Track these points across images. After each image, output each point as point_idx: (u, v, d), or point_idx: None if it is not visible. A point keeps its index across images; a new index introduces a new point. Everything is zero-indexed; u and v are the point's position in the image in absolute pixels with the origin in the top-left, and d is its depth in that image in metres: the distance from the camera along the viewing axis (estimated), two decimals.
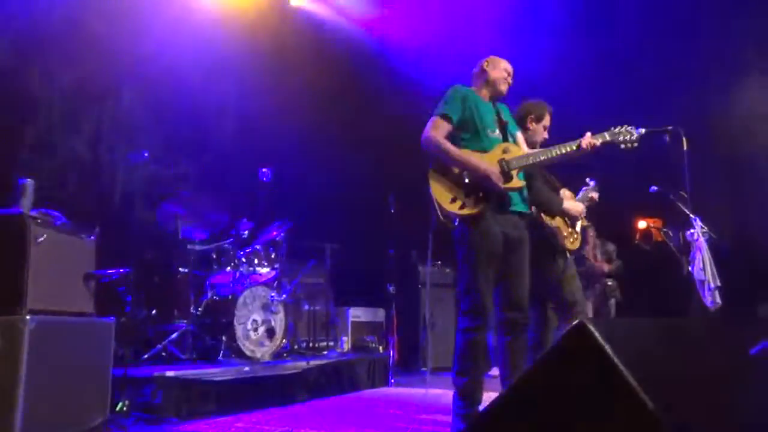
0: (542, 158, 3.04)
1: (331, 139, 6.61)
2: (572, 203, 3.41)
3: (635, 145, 3.09)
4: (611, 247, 5.90)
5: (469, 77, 3.30)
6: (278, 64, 6.36)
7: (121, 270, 3.45)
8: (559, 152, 3.02)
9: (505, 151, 3.02)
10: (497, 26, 6.11)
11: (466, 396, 2.92)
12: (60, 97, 5.06)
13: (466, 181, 2.94)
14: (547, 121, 3.54)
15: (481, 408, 2.94)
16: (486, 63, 3.22)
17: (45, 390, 2.78)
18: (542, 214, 3.36)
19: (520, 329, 3.04)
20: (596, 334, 0.81)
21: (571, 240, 3.40)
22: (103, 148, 5.34)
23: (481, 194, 2.93)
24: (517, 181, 3.00)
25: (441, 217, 2.97)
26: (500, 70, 3.20)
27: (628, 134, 3.09)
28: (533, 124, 3.52)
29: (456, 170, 2.98)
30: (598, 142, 3.04)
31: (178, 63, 5.67)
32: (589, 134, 3.07)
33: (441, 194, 2.96)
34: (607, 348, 0.79)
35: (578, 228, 3.45)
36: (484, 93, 3.20)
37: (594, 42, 6.23)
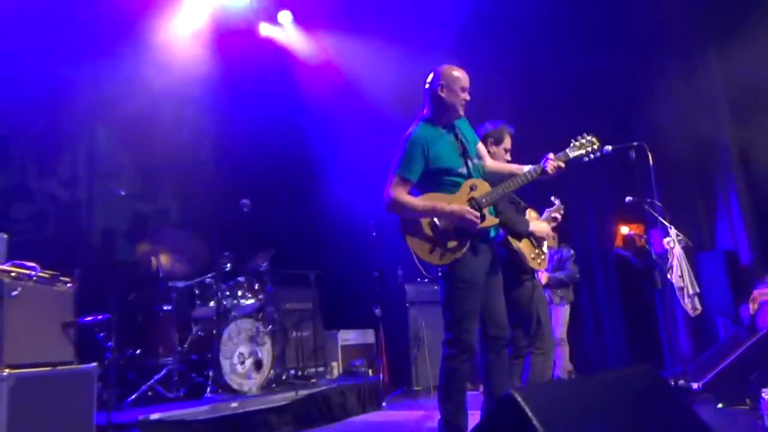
0: (509, 189, 3.03)
1: (308, 166, 6.67)
2: (538, 224, 3.46)
3: (599, 154, 3.11)
4: (566, 254, 5.89)
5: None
6: (252, 94, 6.40)
7: (99, 317, 3.43)
8: (524, 179, 3.02)
9: (472, 188, 2.99)
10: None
11: (450, 422, 2.95)
12: (33, 142, 5.06)
13: (440, 228, 2.92)
14: (507, 143, 3.54)
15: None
16: (440, 89, 3.02)
17: None
18: (509, 237, 3.39)
19: (501, 345, 3.08)
20: (524, 405, 0.84)
21: (538, 261, 3.44)
22: (80, 190, 5.34)
23: (456, 238, 2.93)
24: (491, 219, 3.00)
25: (424, 271, 2.97)
26: (456, 92, 3.02)
27: (590, 145, 3.06)
28: (493, 147, 3.52)
29: (427, 221, 2.95)
30: (562, 163, 3.03)
31: (152, 100, 5.70)
32: (551, 155, 3.04)
33: (419, 247, 2.93)
34: (534, 419, 0.83)
35: (545, 248, 3.50)
36: (442, 119, 3.09)
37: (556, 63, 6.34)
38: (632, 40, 6.28)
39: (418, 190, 3.06)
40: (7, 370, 2.74)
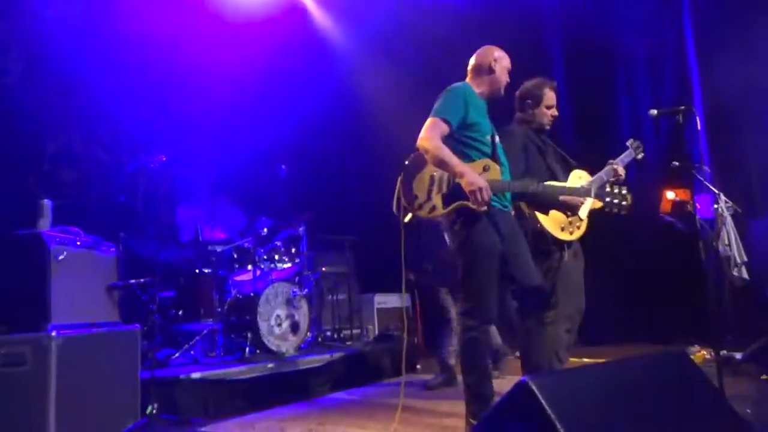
0: (516, 191, 2.99)
1: (345, 133, 6.63)
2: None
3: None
4: None
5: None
6: (292, 61, 6.36)
7: (142, 280, 3.55)
8: (539, 189, 2.99)
9: (485, 168, 2.91)
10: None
11: (474, 394, 2.89)
12: (78, 109, 5.18)
13: (453, 184, 2.85)
14: (549, 99, 3.36)
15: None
16: (493, 60, 3.05)
17: (76, 400, 2.92)
18: (533, 211, 3.25)
19: (535, 312, 3.07)
20: (539, 394, 0.82)
21: (570, 230, 3.25)
22: (123, 156, 5.47)
23: (458, 201, 2.84)
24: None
25: (394, 208, 2.94)
26: (504, 70, 3.07)
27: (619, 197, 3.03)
28: (532, 109, 3.38)
29: (438, 173, 2.89)
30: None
31: (191, 66, 5.74)
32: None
33: (418, 187, 2.87)
34: (548, 409, 0.81)
35: (583, 214, 3.23)
36: (483, 91, 3.07)
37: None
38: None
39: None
40: (54, 331, 2.87)
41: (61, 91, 5.23)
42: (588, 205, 3.25)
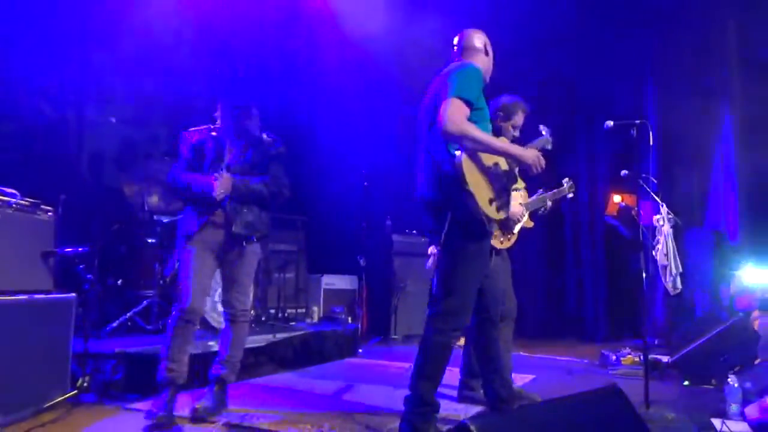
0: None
1: (303, 109, 6.51)
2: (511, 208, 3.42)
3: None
4: None
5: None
6: (252, 25, 6.15)
7: (80, 249, 3.41)
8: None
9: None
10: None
11: (423, 403, 2.68)
12: (21, 57, 4.86)
13: (512, 172, 2.77)
14: (518, 120, 3.49)
15: None
16: (488, 43, 2.95)
17: (1, 370, 2.79)
18: None
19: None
20: None
21: (501, 240, 3.47)
22: (69, 112, 5.18)
23: (506, 196, 2.74)
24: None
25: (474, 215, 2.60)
26: (491, 59, 2.99)
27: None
28: (501, 122, 3.48)
29: (493, 160, 2.65)
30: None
31: (148, 23, 5.47)
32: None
33: (480, 194, 2.57)
34: None
35: (516, 230, 3.54)
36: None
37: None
38: (644, 16, 6.10)
39: None
40: None
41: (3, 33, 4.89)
42: (522, 222, 3.60)
